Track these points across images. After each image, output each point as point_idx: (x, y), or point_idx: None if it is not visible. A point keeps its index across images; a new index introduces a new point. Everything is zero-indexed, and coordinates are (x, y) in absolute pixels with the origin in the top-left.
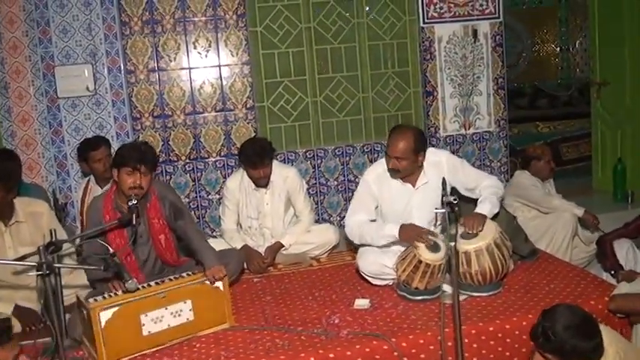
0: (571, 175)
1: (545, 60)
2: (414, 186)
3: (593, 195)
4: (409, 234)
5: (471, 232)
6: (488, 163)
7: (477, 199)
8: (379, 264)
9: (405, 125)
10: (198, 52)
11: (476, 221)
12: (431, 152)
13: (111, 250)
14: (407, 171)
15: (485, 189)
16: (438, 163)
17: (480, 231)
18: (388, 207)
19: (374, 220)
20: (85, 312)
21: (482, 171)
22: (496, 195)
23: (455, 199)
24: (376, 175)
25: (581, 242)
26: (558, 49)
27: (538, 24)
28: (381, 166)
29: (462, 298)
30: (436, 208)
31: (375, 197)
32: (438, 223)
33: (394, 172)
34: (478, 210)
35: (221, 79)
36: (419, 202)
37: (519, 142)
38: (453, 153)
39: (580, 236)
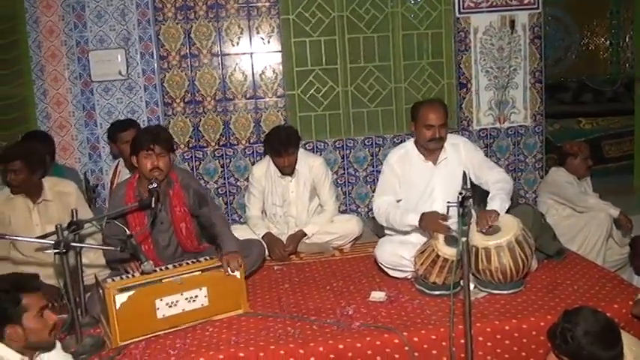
0: (613, 173)
1: (594, 54)
2: (435, 163)
3: (634, 195)
4: (429, 223)
5: (483, 228)
6: (523, 159)
7: (515, 199)
8: (396, 255)
9: (428, 99)
10: (230, 39)
11: (488, 216)
12: (449, 136)
13: (127, 232)
14: (446, 136)
15: (494, 184)
16: (456, 145)
17: (495, 222)
18: (411, 186)
19: (400, 200)
20: (101, 291)
21: (491, 162)
22: (504, 190)
23: (464, 193)
24: (398, 157)
25: (616, 244)
26: (608, 42)
27: (588, 16)
28: (403, 148)
29: (481, 295)
30: (448, 202)
31: (398, 178)
32: (450, 217)
33: (439, 142)
34: (489, 207)
35: (252, 67)
36: (440, 179)
37: (560, 138)
38: (487, 147)
39: (614, 238)
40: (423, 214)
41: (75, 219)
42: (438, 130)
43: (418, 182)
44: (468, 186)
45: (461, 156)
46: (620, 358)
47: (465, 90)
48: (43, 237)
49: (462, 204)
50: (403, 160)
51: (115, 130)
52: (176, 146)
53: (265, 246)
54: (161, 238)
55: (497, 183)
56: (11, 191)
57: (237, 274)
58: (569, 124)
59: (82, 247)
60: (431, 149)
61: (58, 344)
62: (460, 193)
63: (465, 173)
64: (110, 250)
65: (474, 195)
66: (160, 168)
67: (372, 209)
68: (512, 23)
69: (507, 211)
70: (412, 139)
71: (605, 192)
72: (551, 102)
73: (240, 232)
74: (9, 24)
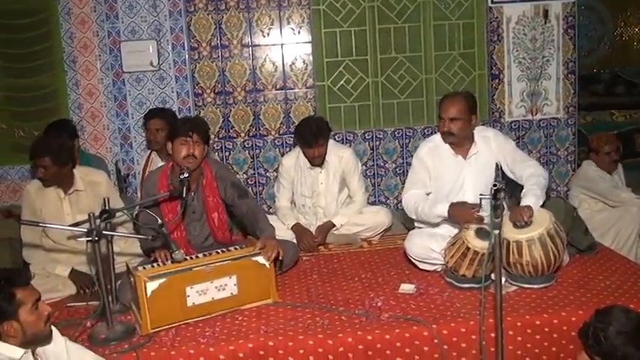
0: None
1: (627, 44)
2: (465, 157)
3: None
4: (459, 214)
5: (518, 222)
6: (555, 152)
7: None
8: (426, 248)
9: (454, 91)
10: (261, 30)
11: (523, 212)
12: (479, 129)
13: (159, 221)
14: (462, 133)
15: (528, 179)
16: (487, 137)
17: (530, 219)
18: (441, 180)
19: (430, 193)
20: (132, 279)
21: (525, 154)
22: (539, 185)
23: (498, 185)
24: (428, 149)
25: None
26: None
27: (621, 6)
28: (432, 141)
29: (512, 289)
30: (481, 194)
31: (429, 171)
32: (483, 210)
33: (448, 136)
34: (523, 203)
35: (282, 57)
36: (471, 174)
37: (592, 130)
38: (518, 139)
39: None
40: (452, 204)
41: (107, 207)
42: (447, 123)
43: (448, 176)
44: (501, 178)
45: (492, 149)
46: None
47: (497, 81)
48: (76, 225)
49: (494, 196)
50: (433, 153)
51: (145, 117)
52: None
53: (295, 240)
54: (193, 227)
55: (531, 177)
56: (43, 184)
57: (267, 264)
58: (602, 116)
59: (113, 236)
60: (445, 143)
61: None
62: (494, 185)
63: (497, 165)
64: (142, 238)
65: (506, 187)
66: (195, 156)
67: (400, 201)
68: (546, 13)
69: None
70: None
71: (637, 186)
72: (583, 94)
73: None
74: (41, 15)
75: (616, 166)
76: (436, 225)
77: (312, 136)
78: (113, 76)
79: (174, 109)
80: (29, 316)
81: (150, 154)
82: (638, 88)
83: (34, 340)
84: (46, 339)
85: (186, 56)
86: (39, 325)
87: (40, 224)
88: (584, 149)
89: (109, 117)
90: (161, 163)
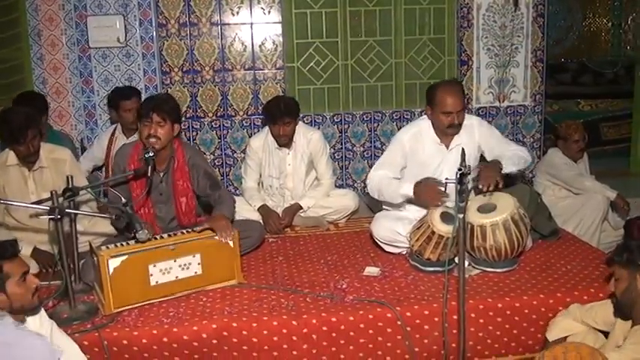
0: (610, 156)
1: (595, 35)
2: (447, 147)
3: (629, 178)
4: (424, 193)
5: (483, 188)
6: (521, 138)
7: (512, 179)
8: (392, 230)
9: (445, 80)
10: (230, 9)
11: (490, 176)
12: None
13: (123, 200)
14: (462, 122)
15: (509, 152)
16: (470, 126)
17: (495, 186)
18: (419, 167)
19: (399, 179)
20: (95, 259)
21: (509, 140)
22: (518, 157)
23: (463, 170)
24: (411, 135)
25: (610, 227)
26: (610, 24)
27: None
28: (416, 126)
29: (475, 272)
30: (446, 179)
31: (405, 157)
32: (448, 194)
33: (456, 128)
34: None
35: (252, 37)
36: (451, 163)
37: (559, 118)
38: None
39: (609, 220)
40: (416, 182)
41: (70, 185)
42: (456, 117)
43: (428, 164)
44: (467, 163)
45: (474, 138)
46: None
47: (465, 67)
48: (38, 203)
49: (459, 181)
50: (416, 139)
51: (118, 98)
52: None
53: (262, 222)
54: (159, 208)
55: (513, 151)
56: (29, 160)
57: (231, 242)
58: (568, 105)
59: (76, 214)
60: (449, 135)
61: (42, 309)
62: (459, 170)
63: (462, 150)
64: (103, 217)
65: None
66: (157, 136)
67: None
68: (516, 1)
69: (505, 187)
70: (425, 118)
71: (601, 174)
72: (550, 82)
73: (236, 204)
74: None
75: (582, 155)
76: (399, 207)
77: (278, 113)
78: (79, 52)
79: (140, 87)
80: (17, 289)
81: (114, 130)
82: (605, 78)
83: (21, 312)
84: (34, 310)
85: (154, 33)
86: (26, 297)
87: (1, 201)
88: (550, 137)
89: (74, 93)
90: (125, 140)
